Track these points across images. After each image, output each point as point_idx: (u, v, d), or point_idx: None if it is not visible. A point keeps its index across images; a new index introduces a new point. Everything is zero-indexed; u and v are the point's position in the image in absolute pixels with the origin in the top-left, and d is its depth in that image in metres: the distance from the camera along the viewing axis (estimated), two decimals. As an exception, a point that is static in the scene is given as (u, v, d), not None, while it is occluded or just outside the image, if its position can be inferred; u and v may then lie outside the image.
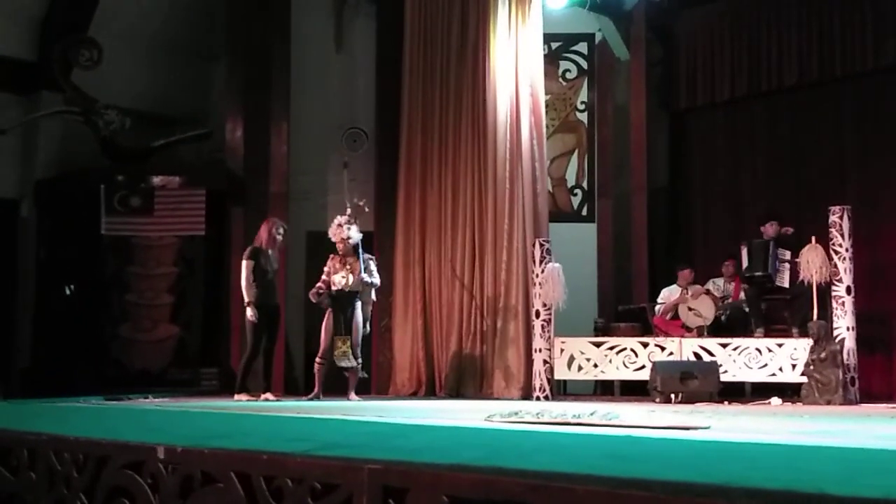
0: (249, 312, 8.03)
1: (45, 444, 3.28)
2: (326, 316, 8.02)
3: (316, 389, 8.04)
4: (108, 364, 10.11)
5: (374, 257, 8.26)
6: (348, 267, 7.95)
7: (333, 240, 8.08)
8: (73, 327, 10.12)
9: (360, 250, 8.00)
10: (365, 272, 7.96)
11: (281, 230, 8.40)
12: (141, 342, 10.30)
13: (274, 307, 8.30)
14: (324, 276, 8.07)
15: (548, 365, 8.29)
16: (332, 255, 8.11)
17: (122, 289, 10.32)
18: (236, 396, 7.99)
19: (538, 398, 8.13)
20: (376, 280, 8.14)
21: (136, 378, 9.81)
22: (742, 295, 9.19)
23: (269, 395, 8.08)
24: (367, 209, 8.21)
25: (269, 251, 8.26)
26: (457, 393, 9.04)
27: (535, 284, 8.43)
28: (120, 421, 4.69)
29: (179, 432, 3.63)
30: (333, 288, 7.96)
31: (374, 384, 9.78)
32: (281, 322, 8.37)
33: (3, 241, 10.55)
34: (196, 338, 10.21)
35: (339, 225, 8.04)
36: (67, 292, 10.44)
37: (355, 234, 8.03)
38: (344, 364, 7.94)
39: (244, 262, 8.13)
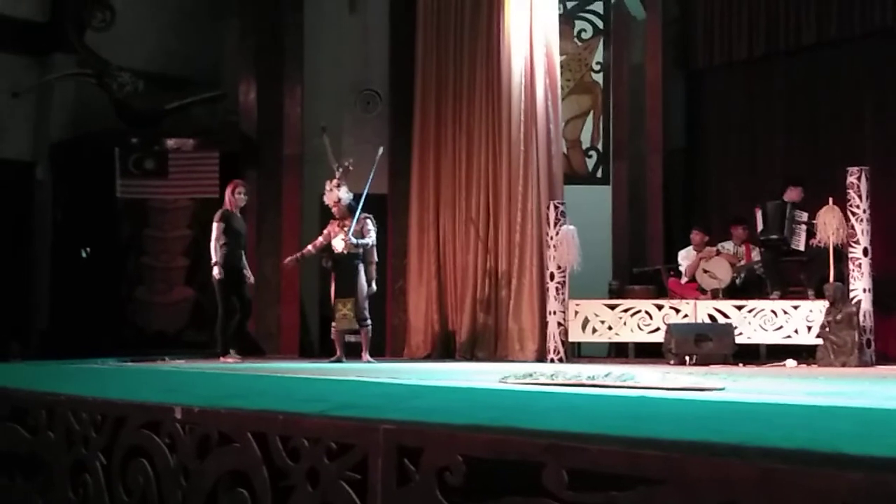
0: (216, 271, 8.13)
1: (63, 405, 3.31)
2: (332, 280, 8.09)
3: (338, 353, 8.09)
4: (124, 326, 10.19)
5: (370, 216, 8.19)
6: (345, 229, 8.00)
7: (328, 204, 8.18)
8: (90, 290, 10.18)
9: (358, 210, 8.01)
10: (357, 234, 7.96)
11: (241, 190, 8.47)
12: (157, 304, 10.37)
13: (239, 269, 8.30)
14: (318, 239, 8.20)
15: (562, 327, 8.29)
16: (331, 220, 8.18)
17: (137, 251, 10.38)
18: (221, 359, 8.03)
19: (552, 360, 8.14)
20: (366, 240, 8.05)
21: (153, 340, 9.89)
22: (755, 257, 9.15)
23: (232, 356, 8.09)
24: (351, 168, 8.23)
25: (237, 213, 8.37)
26: (471, 355, 9.07)
27: (549, 247, 8.41)
28: (137, 381, 4.73)
29: (196, 392, 3.66)
30: (334, 251, 8.04)
31: (389, 346, 9.83)
32: (245, 283, 8.42)
33: (18, 203, 10.59)
34: (211, 300, 10.23)
35: (330, 190, 8.12)
36: (83, 255, 10.49)
37: (344, 195, 8.09)
38: (345, 327, 8.00)
39: (215, 224, 8.23)
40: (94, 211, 10.39)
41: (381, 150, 8.57)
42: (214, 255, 8.17)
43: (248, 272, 8.45)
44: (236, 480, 2.63)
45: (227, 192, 8.45)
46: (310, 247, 8.33)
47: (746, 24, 10.37)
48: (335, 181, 8.15)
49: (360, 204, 8.05)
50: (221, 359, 8.05)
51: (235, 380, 4.93)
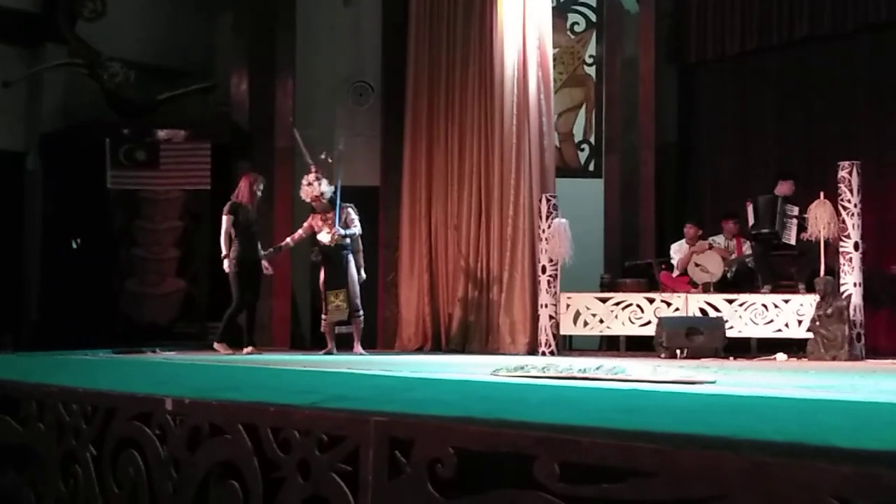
0: (226, 265, 8.06)
1: (54, 396, 3.30)
2: (321, 273, 8.07)
3: (329, 345, 8.09)
4: (115, 318, 10.16)
5: (352, 205, 8.13)
6: (329, 222, 7.97)
7: (307, 200, 8.10)
8: (81, 281, 10.15)
9: (338, 202, 7.98)
10: (342, 224, 7.94)
11: (261, 185, 8.37)
12: (148, 296, 10.34)
13: (254, 261, 8.21)
14: (298, 232, 8.18)
15: (553, 320, 8.30)
16: (312, 214, 8.15)
17: (128, 243, 10.34)
18: (215, 345, 7.99)
19: (544, 353, 8.14)
20: (353, 230, 8.03)
21: (144, 332, 9.86)
22: (746, 251, 9.18)
23: (250, 349, 8.04)
24: (329, 160, 8.18)
25: (249, 206, 8.23)
26: (462, 348, 9.07)
27: (541, 240, 8.41)
28: (128, 373, 4.72)
29: (187, 384, 3.65)
30: (321, 245, 8.01)
31: (380, 339, 9.83)
32: (261, 276, 8.36)
33: (9, 194, 10.55)
34: (203, 292, 10.24)
35: (309, 184, 8.03)
36: (74, 246, 10.46)
37: (326, 189, 8.02)
38: (337, 318, 7.98)
39: (224, 217, 8.11)
40: (85, 202, 10.35)
41: (341, 145, 8.44)
42: (224, 248, 8.06)
43: (265, 264, 8.27)
44: (227, 472, 2.63)
45: (247, 184, 8.24)
46: (288, 240, 8.30)
47: (739, 19, 10.39)
48: (313, 175, 8.06)
49: (338, 195, 8.01)
50: (215, 345, 8.04)
51: (226, 372, 4.93)
